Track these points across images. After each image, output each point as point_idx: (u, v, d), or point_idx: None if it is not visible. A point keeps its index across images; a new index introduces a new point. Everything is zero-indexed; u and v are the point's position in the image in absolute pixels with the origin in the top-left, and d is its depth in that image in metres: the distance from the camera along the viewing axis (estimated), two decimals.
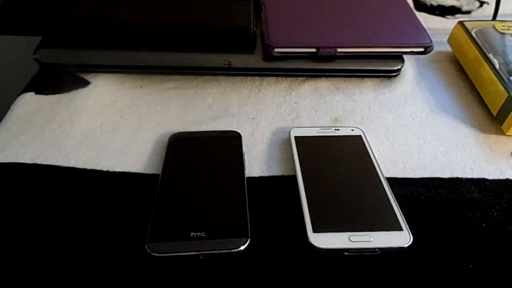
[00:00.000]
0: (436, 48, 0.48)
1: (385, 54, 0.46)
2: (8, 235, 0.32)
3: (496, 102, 0.42)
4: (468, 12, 0.62)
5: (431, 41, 0.45)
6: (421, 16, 0.56)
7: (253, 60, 0.46)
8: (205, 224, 0.31)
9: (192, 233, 0.31)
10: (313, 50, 0.45)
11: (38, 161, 0.38)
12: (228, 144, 0.39)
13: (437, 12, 0.62)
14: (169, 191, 0.34)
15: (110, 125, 0.42)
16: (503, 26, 0.50)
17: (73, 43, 0.46)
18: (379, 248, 0.30)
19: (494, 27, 0.50)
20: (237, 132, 0.40)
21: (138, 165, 0.38)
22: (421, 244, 0.32)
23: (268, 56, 0.45)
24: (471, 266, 0.31)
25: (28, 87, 0.46)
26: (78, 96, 0.44)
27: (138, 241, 0.31)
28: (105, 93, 0.45)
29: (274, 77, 0.48)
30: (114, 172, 0.37)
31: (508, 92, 0.41)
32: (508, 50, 0.46)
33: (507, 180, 0.38)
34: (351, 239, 0.30)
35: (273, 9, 0.49)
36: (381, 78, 0.49)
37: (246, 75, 0.48)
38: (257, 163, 0.39)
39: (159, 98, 0.45)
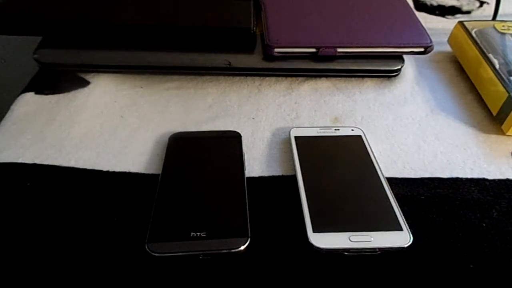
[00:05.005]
0: (436, 48, 0.48)
1: (385, 54, 0.46)
2: (8, 235, 0.32)
3: (496, 102, 0.42)
4: (468, 12, 0.62)
5: (431, 41, 0.45)
6: (421, 16, 0.56)
7: (253, 60, 0.46)
8: (205, 224, 0.31)
9: (192, 233, 0.31)
10: (313, 50, 0.45)
11: (38, 161, 0.38)
12: (228, 144, 0.39)
13: (437, 12, 0.62)
14: (169, 191, 0.34)
15: (110, 125, 0.42)
16: (503, 26, 0.50)
17: (73, 43, 0.46)
18: (379, 248, 0.30)
19: (494, 27, 0.50)
20: (237, 132, 0.40)
21: (138, 165, 0.38)
22: (421, 244, 0.32)
23: (268, 56, 0.45)
24: (471, 266, 0.31)
25: (28, 87, 0.46)
26: (78, 96, 0.44)
27: (138, 241, 0.31)
28: (105, 93, 0.45)
29: (274, 77, 0.48)
30: (114, 172, 0.37)
31: (508, 92, 0.41)
32: (508, 50, 0.46)
33: (507, 180, 0.38)
34: (351, 239, 0.30)
35: (273, 9, 0.49)
36: (381, 78, 0.49)
37: (246, 75, 0.48)
38: (257, 163, 0.38)
39: (159, 98, 0.45)
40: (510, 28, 0.50)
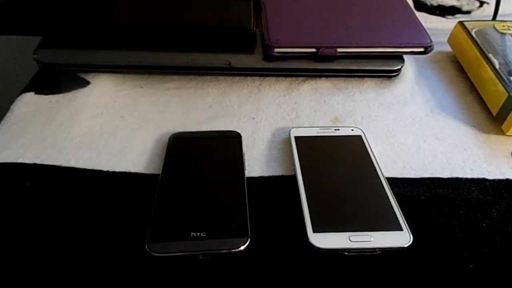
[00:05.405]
0: (436, 48, 0.48)
1: (385, 54, 0.46)
2: (8, 235, 0.32)
3: (496, 102, 0.42)
4: (468, 12, 0.62)
5: (431, 41, 0.45)
6: (421, 16, 0.56)
7: (253, 60, 0.46)
8: (205, 224, 0.31)
9: (192, 233, 0.31)
10: (313, 50, 0.45)
11: (38, 161, 0.38)
12: (228, 144, 0.39)
13: (437, 12, 0.62)
14: (169, 191, 0.34)
15: (110, 125, 0.42)
16: (503, 26, 0.50)
17: (73, 43, 0.46)
18: (379, 248, 0.30)
19: (494, 27, 0.50)
20: (237, 132, 0.40)
21: (138, 165, 0.38)
22: (421, 244, 0.32)
23: (268, 56, 0.45)
24: (471, 266, 0.31)
25: (28, 87, 0.46)
26: (78, 96, 0.44)
27: (138, 241, 0.31)
28: (105, 93, 0.45)
29: (274, 77, 0.48)
30: (114, 172, 0.37)
31: (508, 92, 0.41)
32: (508, 50, 0.46)
33: (507, 180, 0.38)
34: (351, 239, 0.30)
35: (273, 9, 0.49)
36: (381, 78, 0.49)
37: (246, 75, 0.48)
38: (257, 163, 0.38)
39: (159, 98, 0.45)
40: (510, 28, 0.50)
